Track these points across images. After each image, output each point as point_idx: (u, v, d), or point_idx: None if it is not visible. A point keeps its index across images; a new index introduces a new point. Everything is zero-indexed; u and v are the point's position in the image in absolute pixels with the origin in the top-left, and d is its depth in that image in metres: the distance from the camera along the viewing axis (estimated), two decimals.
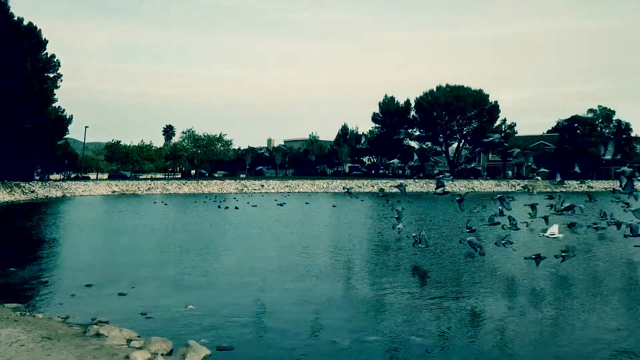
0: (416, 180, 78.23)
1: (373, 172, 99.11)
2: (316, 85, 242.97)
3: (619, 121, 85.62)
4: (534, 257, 14.78)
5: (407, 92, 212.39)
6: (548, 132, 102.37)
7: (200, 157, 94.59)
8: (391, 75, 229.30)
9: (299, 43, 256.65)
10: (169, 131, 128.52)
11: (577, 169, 24.44)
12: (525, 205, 22.15)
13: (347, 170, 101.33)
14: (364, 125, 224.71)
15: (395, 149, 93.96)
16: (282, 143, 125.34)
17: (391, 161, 21.91)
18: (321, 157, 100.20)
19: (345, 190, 26.45)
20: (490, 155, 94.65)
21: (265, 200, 51.46)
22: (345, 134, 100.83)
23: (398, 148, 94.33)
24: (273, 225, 28.12)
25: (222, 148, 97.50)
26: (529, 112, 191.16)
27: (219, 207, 41.62)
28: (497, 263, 16.58)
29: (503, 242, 16.90)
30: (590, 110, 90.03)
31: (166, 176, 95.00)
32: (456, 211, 37.21)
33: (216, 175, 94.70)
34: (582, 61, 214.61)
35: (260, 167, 29.08)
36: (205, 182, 75.45)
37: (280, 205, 42.57)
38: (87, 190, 64.45)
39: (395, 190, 26.71)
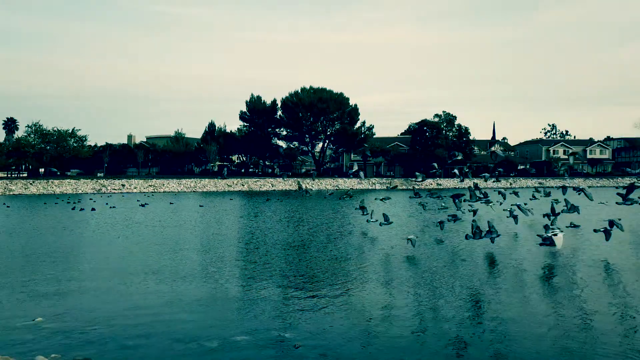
0: (285, 179, 79.60)
1: (243, 170, 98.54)
2: (181, 80, 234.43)
3: (459, 125, 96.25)
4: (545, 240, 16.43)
5: (274, 92, 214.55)
6: (402, 134, 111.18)
7: (50, 153, 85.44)
8: (257, 74, 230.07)
9: (157, 36, 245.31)
10: (10, 125, 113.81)
11: (436, 168, 27.36)
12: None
13: (215, 168, 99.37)
14: (232, 123, 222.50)
15: (263, 148, 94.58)
16: (144, 139, 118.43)
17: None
18: (188, 155, 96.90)
19: (303, 190, 29.87)
20: (352, 155, 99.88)
21: (126, 201, 48.37)
22: (212, 131, 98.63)
23: (267, 147, 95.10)
24: (134, 227, 26.60)
25: (75, 144, 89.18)
26: (385, 115, 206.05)
27: (73, 208, 38.21)
28: (370, 257, 17.62)
29: (491, 235, 18.17)
30: (436, 115, 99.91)
31: (9, 175, 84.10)
32: (325, 208, 38.79)
33: (70, 174, 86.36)
34: (428, 69, 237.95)
35: (225, 167, 28.36)
36: (56, 181, 68.39)
37: (143, 205, 40.44)
38: None
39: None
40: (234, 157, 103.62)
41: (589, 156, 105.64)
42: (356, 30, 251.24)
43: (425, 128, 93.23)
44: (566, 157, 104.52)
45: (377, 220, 23.11)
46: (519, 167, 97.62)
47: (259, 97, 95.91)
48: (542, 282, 13.65)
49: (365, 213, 25.17)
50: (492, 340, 9.16)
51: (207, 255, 18.18)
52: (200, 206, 42.05)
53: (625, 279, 13.92)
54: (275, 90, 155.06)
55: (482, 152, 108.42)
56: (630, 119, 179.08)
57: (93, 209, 37.68)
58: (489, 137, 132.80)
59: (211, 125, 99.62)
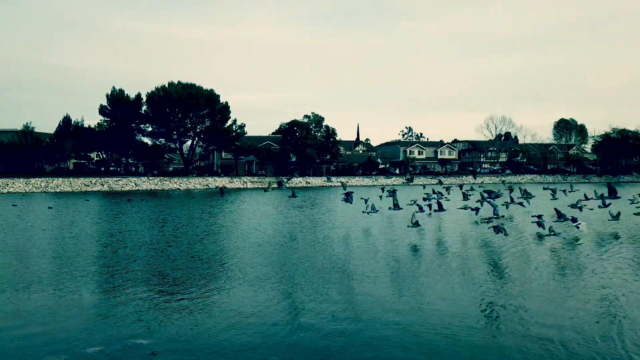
0: (150, 178, 75.83)
1: (103, 169, 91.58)
2: (30, 68, 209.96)
3: (327, 126, 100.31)
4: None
5: (138, 86, 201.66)
6: (273, 133, 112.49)
7: None
8: (120, 66, 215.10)
9: (4, 20, 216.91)
10: None
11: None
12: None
13: (71, 167, 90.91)
14: (91, 118, 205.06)
15: (126, 145, 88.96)
16: None
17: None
18: (38, 152, 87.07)
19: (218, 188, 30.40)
20: (223, 154, 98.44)
21: None
22: (68, 125, 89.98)
23: (130, 143, 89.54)
24: None
25: None
26: (257, 114, 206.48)
27: None
28: (236, 255, 17.65)
29: (497, 227, 20.06)
30: (306, 116, 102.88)
31: None
32: (193, 208, 37.82)
33: None
34: (298, 70, 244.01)
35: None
36: None
37: None
38: None
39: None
40: (93, 154, 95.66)
41: (439, 157, 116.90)
42: (228, 28, 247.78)
43: (295, 128, 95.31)
44: (421, 157, 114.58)
45: (369, 211, 26.77)
46: (379, 167, 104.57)
47: (121, 91, 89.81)
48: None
49: (349, 201, 28.26)
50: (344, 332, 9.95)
51: (56, 260, 16.79)
52: (49, 208, 38.29)
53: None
54: (139, 85, 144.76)
55: (348, 152, 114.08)
56: (473, 123, 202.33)
57: None
58: (353, 137, 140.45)
59: (66, 119, 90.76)
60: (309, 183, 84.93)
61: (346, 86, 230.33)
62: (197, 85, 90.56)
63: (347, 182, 50.76)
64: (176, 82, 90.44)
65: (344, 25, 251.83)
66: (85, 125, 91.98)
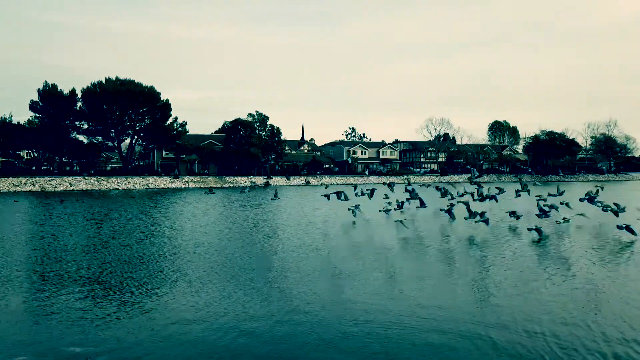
0: (86, 178, 72.70)
1: (34, 168, 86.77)
2: None
3: (271, 126, 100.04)
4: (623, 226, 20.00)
5: (73, 82, 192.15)
6: (216, 132, 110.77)
7: None
8: (54, 61, 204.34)
9: None
10: None
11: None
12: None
13: None
14: (21, 114, 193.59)
15: (60, 142, 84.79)
16: None
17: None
18: None
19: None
20: (163, 152, 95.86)
21: None
22: None
23: (64, 141, 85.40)
24: None
25: None
26: (199, 112, 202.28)
27: None
28: (175, 257, 17.36)
29: (480, 219, 22.02)
30: (250, 115, 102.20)
31: None
32: (130, 208, 36.70)
33: None
34: (243, 69, 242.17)
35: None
36: None
37: None
38: None
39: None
40: (23, 153, 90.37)
41: (381, 157, 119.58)
42: (169, 25, 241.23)
43: (239, 127, 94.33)
44: (364, 157, 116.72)
45: (352, 209, 27.67)
46: (324, 166, 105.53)
47: (54, 86, 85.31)
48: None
49: (341, 198, 30.09)
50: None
51: None
52: None
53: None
54: (74, 80, 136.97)
55: (293, 152, 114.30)
56: (414, 124, 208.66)
57: None
58: (298, 137, 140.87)
59: None
60: (254, 182, 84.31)
61: (291, 86, 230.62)
62: (136, 81, 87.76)
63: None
64: (114, 78, 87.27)
65: (287, 25, 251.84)
66: (15, 121, 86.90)
